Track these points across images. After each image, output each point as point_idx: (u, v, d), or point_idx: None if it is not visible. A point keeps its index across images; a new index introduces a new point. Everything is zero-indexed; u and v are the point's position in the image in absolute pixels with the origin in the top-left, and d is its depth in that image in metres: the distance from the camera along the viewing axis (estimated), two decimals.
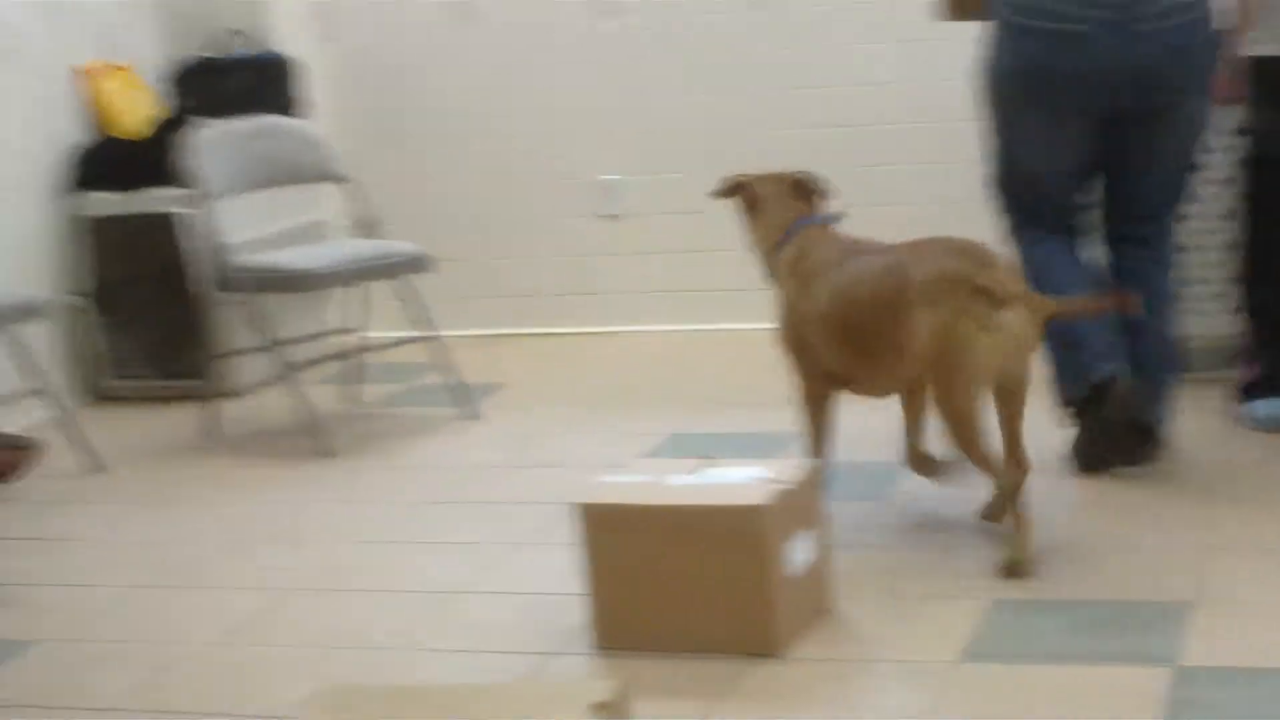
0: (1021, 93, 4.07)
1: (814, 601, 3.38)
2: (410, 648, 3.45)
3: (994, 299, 3.43)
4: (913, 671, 3.15)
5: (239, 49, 6.03)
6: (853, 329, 3.65)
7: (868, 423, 4.09)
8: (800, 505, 3.33)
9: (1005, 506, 3.59)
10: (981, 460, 3.55)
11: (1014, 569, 3.50)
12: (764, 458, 3.85)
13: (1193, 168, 4.25)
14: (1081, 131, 4.08)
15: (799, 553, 3.30)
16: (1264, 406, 4.43)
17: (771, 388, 4.38)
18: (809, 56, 5.86)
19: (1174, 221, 4.27)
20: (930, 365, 3.50)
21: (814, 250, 3.80)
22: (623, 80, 6.08)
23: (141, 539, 4.32)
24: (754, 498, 3.23)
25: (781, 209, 3.90)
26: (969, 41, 4.23)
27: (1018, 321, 3.47)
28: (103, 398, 5.75)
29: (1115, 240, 4.25)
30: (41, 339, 5.32)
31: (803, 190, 3.94)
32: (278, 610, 3.72)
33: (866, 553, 3.73)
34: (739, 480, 3.33)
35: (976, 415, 3.51)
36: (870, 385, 3.79)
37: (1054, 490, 3.95)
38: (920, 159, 5.75)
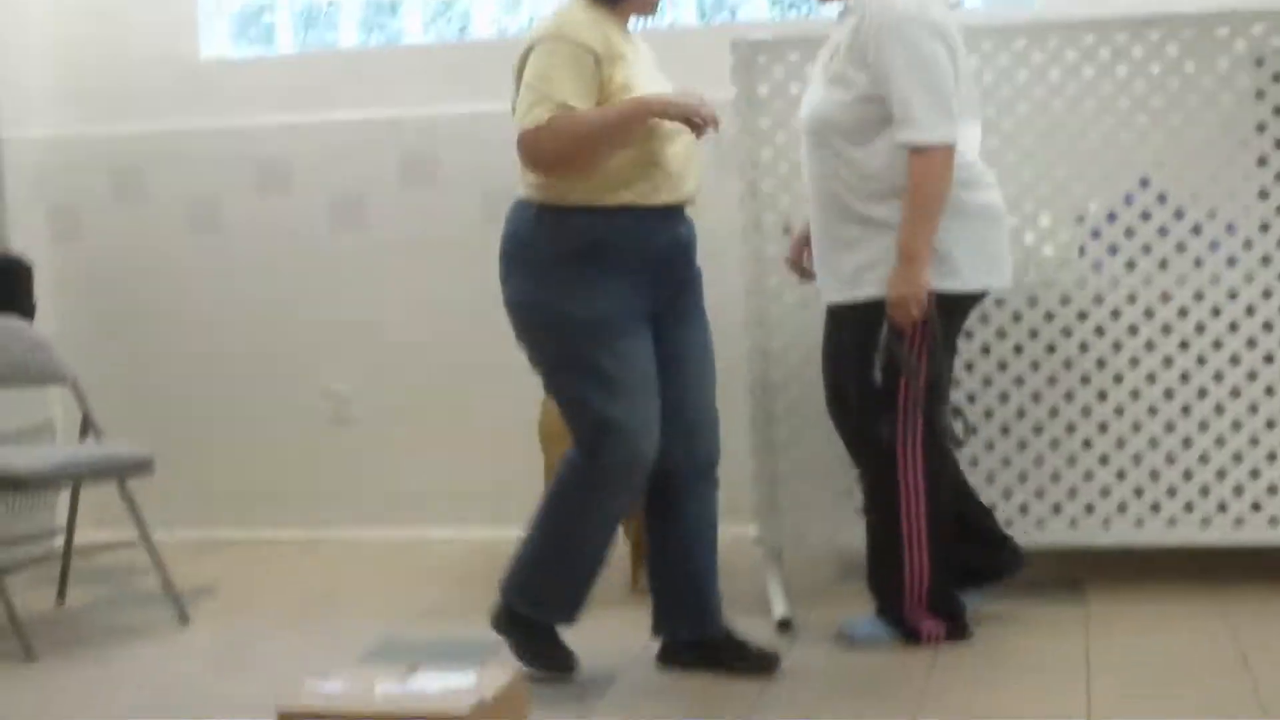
0: None
1: None
2: None
3: None
4: None
5: None
6: None
7: None
8: (505, 711, 3.35)
9: None
10: None
11: None
12: (473, 664, 3.86)
13: None
14: None
15: None
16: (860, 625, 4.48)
17: (481, 597, 4.44)
18: None
19: None
20: None
21: None
22: (358, 292, 6.14)
23: None
24: (457, 706, 3.25)
25: None
26: None
27: None
28: None
29: None
30: None
31: None
32: None
33: None
34: (443, 688, 3.36)
35: None
36: None
37: None
38: None
